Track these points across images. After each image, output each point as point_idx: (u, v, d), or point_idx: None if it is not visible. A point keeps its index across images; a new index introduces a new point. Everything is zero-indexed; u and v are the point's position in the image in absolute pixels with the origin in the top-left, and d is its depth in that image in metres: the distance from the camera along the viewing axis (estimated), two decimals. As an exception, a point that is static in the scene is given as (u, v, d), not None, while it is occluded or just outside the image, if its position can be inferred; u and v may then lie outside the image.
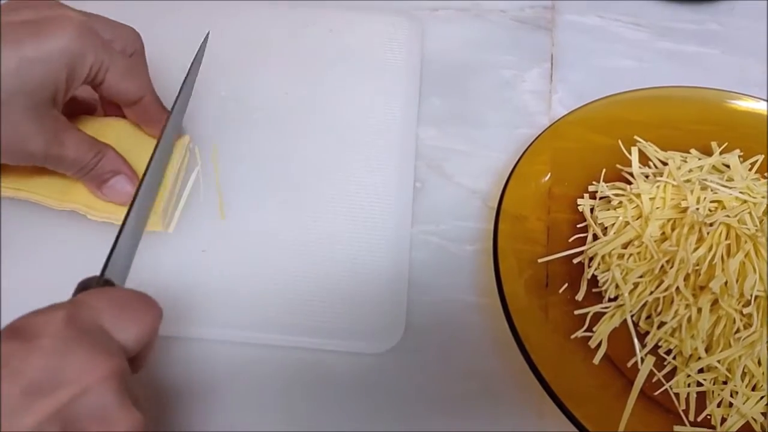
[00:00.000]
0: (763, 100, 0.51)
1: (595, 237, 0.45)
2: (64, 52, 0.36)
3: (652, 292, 0.42)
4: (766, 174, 0.48)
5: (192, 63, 0.44)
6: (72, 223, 0.44)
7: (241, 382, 0.42)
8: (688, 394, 0.41)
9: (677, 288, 0.41)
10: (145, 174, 0.39)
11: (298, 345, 0.42)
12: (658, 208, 0.44)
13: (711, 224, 0.42)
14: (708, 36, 0.59)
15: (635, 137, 0.49)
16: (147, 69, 0.43)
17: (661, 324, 0.42)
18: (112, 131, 0.44)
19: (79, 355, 0.27)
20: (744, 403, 0.40)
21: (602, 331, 0.42)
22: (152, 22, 0.45)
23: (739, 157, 0.48)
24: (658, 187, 0.45)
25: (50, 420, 0.26)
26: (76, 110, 0.45)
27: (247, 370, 0.42)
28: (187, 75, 0.44)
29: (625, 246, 0.44)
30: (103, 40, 0.39)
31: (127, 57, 0.41)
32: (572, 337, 0.42)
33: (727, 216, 0.42)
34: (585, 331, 0.42)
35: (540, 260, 0.44)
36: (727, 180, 0.45)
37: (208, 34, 0.46)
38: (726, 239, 0.41)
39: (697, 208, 0.43)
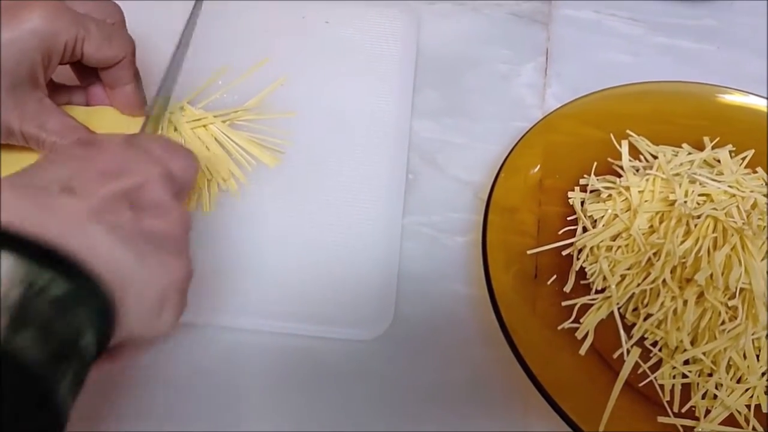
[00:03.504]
0: (756, 95, 0.51)
1: (585, 229, 0.46)
2: (35, 32, 0.38)
3: (639, 284, 0.42)
4: (757, 169, 0.48)
5: (183, 31, 0.46)
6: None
7: (229, 367, 0.42)
8: (673, 385, 0.41)
9: (664, 280, 0.41)
10: None
11: (288, 331, 0.43)
12: (646, 201, 0.44)
13: (698, 217, 0.42)
14: (704, 32, 0.59)
15: (627, 131, 0.50)
16: (127, 33, 0.44)
17: (648, 316, 0.42)
18: (100, 120, 0.45)
19: (139, 156, 0.33)
20: (728, 396, 0.40)
21: (589, 322, 0.43)
22: (145, 18, 0.46)
23: (731, 152, 0.48)
24: (647, 180, 0.45)
25: (120, 197, 0.30)
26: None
27: (235, 355, 0.42)
28: (178, 47, 0.46)
29: (613, 238, 0.44)
30: (76, 14, 0.40)
31: (105, 24, 0.42)
32: (559, 328, 0.43)
33: (714, 209, 0.42)
34: (572, 322, 0.43)
35: (529, 252, 0.45)
36: (717, 174, 0.46)
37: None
38: (713, 232, 0.42)
39: (685, 201, 0.43)
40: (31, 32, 0.38)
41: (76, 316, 0.26)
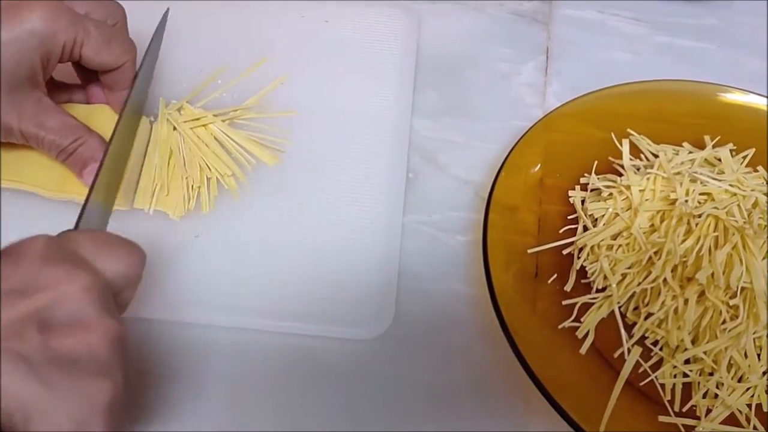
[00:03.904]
0: (756, 93, 0.51)
1: (586, 228, 0.46)
2: (34, 33, 0.38)
3: (639, 283, 0.42)
4: (758, 168, 0.48)
5: (152, 40, 0.46)
6: (69, 211, 0.44)
7: (231, 367, 0.42)
8: (674, 384, 0.41)
9: (665, 279, 0.41)
10: (105, 153, 0.40)
11: (288, 330, 0.43)
12: (647, 199, 0.44)
13: (699, 216, 0.42)
14: (705, 31, 0.59)
15: (628, 130, 0.50)
16: (128, 37, 0.44)
17: (649, 315, 0.42)
18: (100, 118, 0.45)
19: (57, 267, 0.29)
20: (729, 395, 0.40)
21: (590, 321, 0.43)
22: (145, 16, 0.46)
23: (732, 150, 0.48)
24: (648, 179, 0.45)
25: (27, 319, 0.27)
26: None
27: (236, 354, 0.42)
28: (147, 52, 0.45)
29: (614, 237, 0.44)
30: (76, 15, 0.40)
31: (105, 26, 0.42)
32: (560, 327, 0.43)
33: (715, 208, 0.42)
34: (573, 321, 0.43)
35: (530, 251, 0.45)
36: (718, 173, 0.46)
37: (167, 10, 0.47)
38: (714, 231, 0.42)
39: (686, 200, 0.43)
40: (30, 33, 0.38)
41: None
